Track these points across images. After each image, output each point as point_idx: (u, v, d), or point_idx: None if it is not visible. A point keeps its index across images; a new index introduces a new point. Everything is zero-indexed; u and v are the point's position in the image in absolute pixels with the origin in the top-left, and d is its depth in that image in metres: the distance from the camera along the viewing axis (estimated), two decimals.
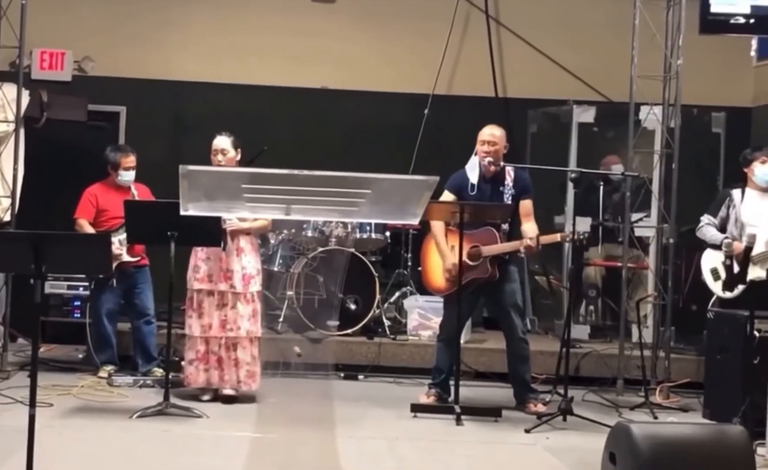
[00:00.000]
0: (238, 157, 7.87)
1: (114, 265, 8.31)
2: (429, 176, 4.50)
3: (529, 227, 7.73)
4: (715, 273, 8.13)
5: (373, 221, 9.42)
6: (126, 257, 8.46)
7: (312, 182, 4.36)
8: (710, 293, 8.22)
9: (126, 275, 8.56)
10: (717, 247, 8.10)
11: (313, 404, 7.97)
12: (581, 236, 7.68)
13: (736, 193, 8.28)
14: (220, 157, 7.73)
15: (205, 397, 7.70)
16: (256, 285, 7.79)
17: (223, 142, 7.79)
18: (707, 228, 8.29)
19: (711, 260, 8.19)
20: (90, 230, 8.43)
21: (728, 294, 7.91)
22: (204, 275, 7.70)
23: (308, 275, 9.28)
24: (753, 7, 6.31)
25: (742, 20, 6.26)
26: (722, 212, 8.27)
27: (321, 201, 4.59)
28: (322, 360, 8.91)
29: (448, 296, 7.94)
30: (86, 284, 9.11)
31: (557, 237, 7.68)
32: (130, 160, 8.60)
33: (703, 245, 8.38)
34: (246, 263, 7.73)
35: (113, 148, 8.78)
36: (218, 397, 7.71)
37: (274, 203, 4.69)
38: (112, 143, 9.24)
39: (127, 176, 8.58)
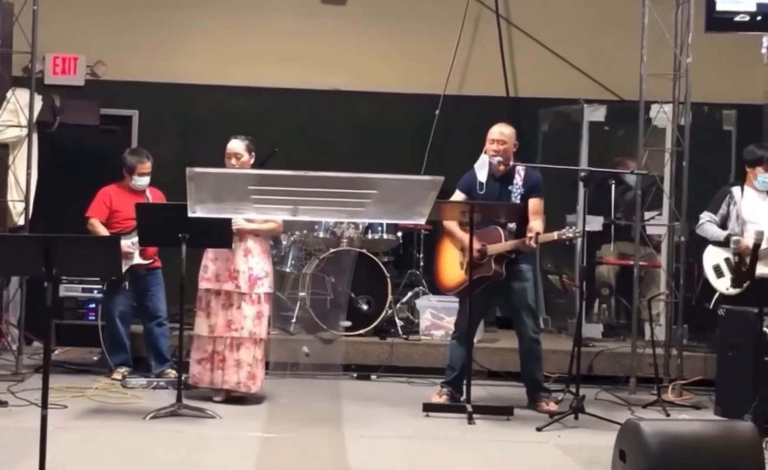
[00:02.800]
0: (252, 160, 7.88)
1: (126, 267, 8.38)
2: (434, 176, 4.53)
3: (535, 225, 7.73)
4: (717, 270, 8.13)
5: (380, 221, 9.44)
6: (138, 260, 8.51)
7: (318, 183, 4.40)
8: (715, 290, 8.22)
9: (138, 277, 8.61)
10: (719, 244, 8.10)
11: (323, 404, 8.00)
12: (576, 234, 7.66)
13: (735, 190, 8.29)
14: (233, 161, 7.74)
15: (218, 398, 7.72)
16: (263, 287, 7.77)
17: (236, 146, 7.79)
18: (708, 225, 8.29)
19: (713, 257, 8.19)
20: (102, 229, 8.47)
21: (731, 291, 7.91)
22: (212, 274, 7.73)
23: (317, 275, 9.31)
24: (759, 5, 6.32)
25: (747, 18, 6.26)
26: (722, 210, 8.28)
27: (327, 202, 4.62)
28: (331, 360, 8.94)
29: (462, 295, 7.95)
30: (100, 286, 9.16)
31: (554, 235, 7.67)
32: (146, 166, 8.63)
33: (708, 241, 8.38)
34: (253, 264, 7.73)
35: (131, 151, 8.83)
36: (230, 398, 7.73)
37: (281, 204, 4.72)
38: (126, 147, 9.29)
39: (141, 182, 8.62)
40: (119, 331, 8.67)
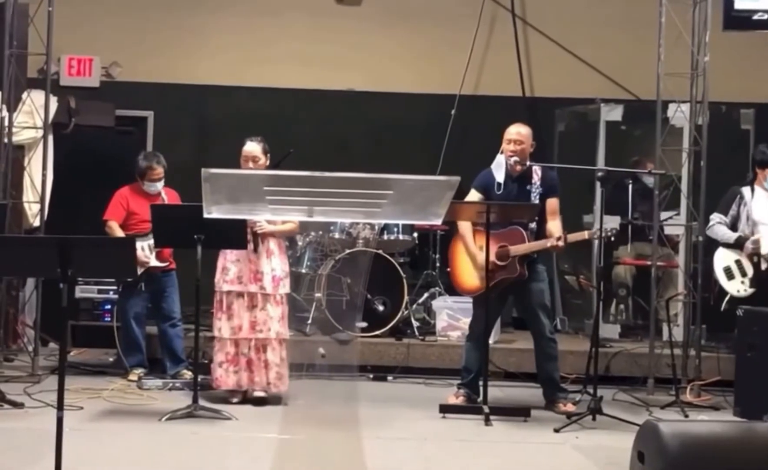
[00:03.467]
0: (268, 162, 7.88)
1: (142, 270, 8.38)
2: (451, 177, 4.50)
3: (554, 226, 7.70)
4: (728, 272, 8.10)
5: (396, 222, 9.42)
6: (154, 262, 8.51)
7: (333, 183, 4.37)
8: (726, 292, 8.18)
9: (154, 279, 8.61)
10: (729, 245, 8.06)
11: (340, 405, 7.98)
12: (609, 233, 7.63)
13: (746, 191, 8.25)
14: (251, 165, 7.72)
15: (234, 399, 7.72)
16: (285, 287, 7.81)
17: (253, 148, 7.78)
18: (718, 227, 8.26)
19: (723, 259, 8.16)
20: (119, 232, 8.47)
21: (742, 293, 7.87)
22: (234, 277, 7.72)
23: (332, 276, 9.29)
24: None
25: (766, 16, 6.21)
26: (733, 211, 8.25)
27: (343, 202, 4.60)
28: (347, 362, 8.92)
29: (478, 296, 7.92)
30: (115, 288, 9.16)
31: (585, 235, 7.64)
32: (157, 172, 8.62)
33: (719, 243, 8.34)
34: (275, 265, 7.75)
35: (144, 156, 8.80)
36: (247, 399, 7.73)
37: (297, 205, 4.71)
38: (141, 148, 9.31)
39: (153, 187, 8.61)
40: (134, 332, 8.67)
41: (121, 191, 8.68)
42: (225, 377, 7.72)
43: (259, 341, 7.68)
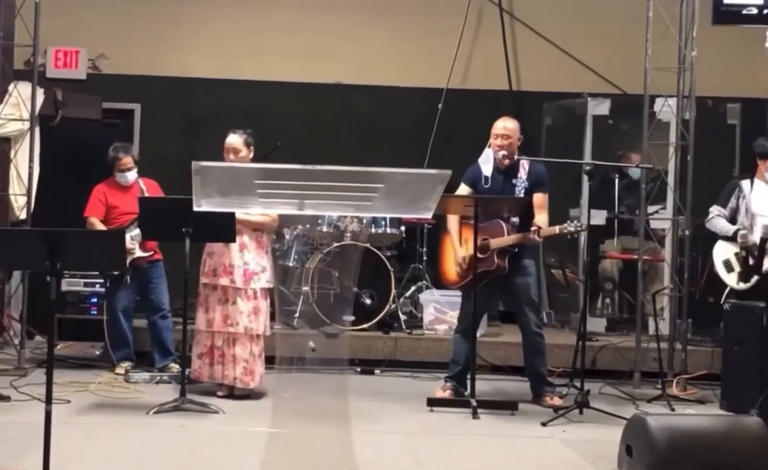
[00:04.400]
0: (251, 155, 7.82)
1: (128, 261, 8.37)
2: (441, 170, 4.50)
3: (540, 220, 7.71)
4: (727, 265, 8.11)
5: (386, 216, 9.42)
6: (139, 253, 8.50)
7: (325, 176, 4.37)
8: (725, 285, 8.19)
9: (140, 271, 8.60)
10: (729, 238, 8.07)
11: (328, 399, 7.97)
12: (576, 228, 7.64)
13: (745, 183, 8.25)
14: (232, 156, 7.67)
15: (220, 392, 7.71)
16: (259, 282, 7.70)
17: (234, 141, 7.72)
18: (717, 220, 8.26)
19: (723, 252, 8.16)
20: (101, 227, 8.46)
21: (742, 286, 7.89)
22: (209, 269, 7.70)
23: (322, 270, 9.29)
24: None
25: (755, 11, 6.22)
26: (732, 203, 8.25)
27: (334, 196, 4.58)
28: (337, 355, 8.92)
29: (466, 289, 7.94)
30: (102, 281, 9.13)
31: (555, 230, 7.65)
32: (125, 162, 8.62)
33: (716, 236, 8.35)
34: (249, 259, 7.66)
35: (113, 147, 8.76)
36: (232, 394, 7.71)
37: (288, 199, 4.69)
38: (128, 141, 9.30)
39: (123, 178, 8.62)
40: (122, 326, 8.65)
41: (98, 187, 8.68)
42: (201, 369, 7.71)
43: (231, 335, 7.63)
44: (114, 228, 8.37)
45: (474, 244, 7.56)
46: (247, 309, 7.64)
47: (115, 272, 8.40)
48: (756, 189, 8.16)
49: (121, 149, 8.72)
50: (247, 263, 7.67)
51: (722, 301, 8.14)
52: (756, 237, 7.84)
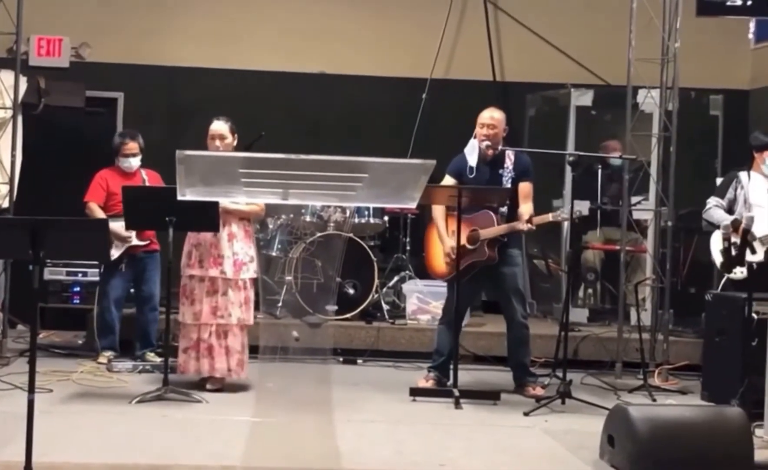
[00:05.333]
0: (236, 142, 7.80)
1: (124, 249, 8.35)
2: (426, 160, 4.50)
3: (525, 209, 7.73)
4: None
5: (370, 205, 9.43)
6: (135, 241, 8.47)
7: (309, 166, 4.37)
8: (711, 275, 8.22)
9: (136, 260, 8.58)
10: None
11: (311, 388, 7.97)
12: (575, 215, 7.67)
13: (743, 174, 8.27)
14: (218, 143, 7.62)
15: (210, 385, 7.62)
16: (248, 272, 7.66)
17: (220, 127, 7.69)
18: (715, 210, 8.28)
19: (720, 242, 8.17)
20: (99, 213, 8.39)
21: (738, 276, 7.90)
22: (195, 261, 7.59)
23: (306, 259, 9.28)
24: None
25: (738, 2, 6.24)
26: (729, 194, 8.27)
27: (318, 185, 4.59)
28: (320, 345, 8.92)
29: (451, 280, 7.95)
30: (84, 271, 9.13)
31: (549, 217, 7.67)
32: (130, 146, 8.58)
33: (701, 227, 8.38)
34: (238, 249, 7.61)
35: (119, 133, 8.78)
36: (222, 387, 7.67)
37: (272, 188, 4.70)
38: (111, 129, 9.27)
39: (127, 163, 8.57)
40: (112, 315, 8.61)
41: (101, 172, 8.65)
42: (187, 363, 7.63)
43: (221, 326, 7.56)
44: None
45: (457, 234, 7.56)
46: (239, 300, 7.60)
47: (111, 260, 8.35)
48: (753, 181, 8.19)
49: (127, 135, 8.70)
50: (237, 253, 7.62)
51: (719, 289, 8.16)
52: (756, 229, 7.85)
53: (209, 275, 7.57)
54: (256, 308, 8.24)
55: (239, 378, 7.67)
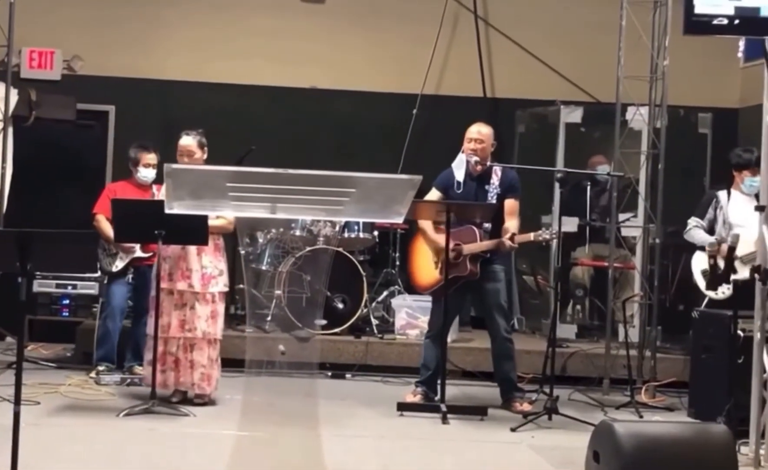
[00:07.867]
0: (205, 156, 7.72)
1: (128, 260, 8.34)
2: (413, 176, 4.53)
3: (510, 226, 7.74)
4: (706, 275, 8.14)
5: (358, 220, 9.44)
6: (139, 253, 8.45)
7: (297, 180, 4.39)
8: (697, 294, 8.24)
9: (139, 272, 8.53)
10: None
11: (298, 402, 7.96)
12: (550, 235, 7.70)
13: (722, 194, 8.29)
14: (186, 159, 7.56)
15: (174, 398, 7.58)
16: (217, 286, 7.61)
17: (188, 143, 7.63)
18: (695, 231, 8.30)
19: (702, 262, 8.17)
20: (107, 226, 8.26)
21: (720, 296, 7.92)
22: (164, 273, 7.50)
23: (294, 274, 9.28)
24: (737, 9, 6.31)
25: (725, 21, 6.27)
26: (709, 214, 8.28)
27: (306, 200, 4.61)
28: (307, 359, 8.90)
29: (436, 294, 7.96)
30: (74, 283, 9.12)
31: (530, 236, 7.69)
32: (149, 157, 8.52)
33: (689, 244, 8.41)
34: (206, 263, 7.57)
35: (136, 144, 8.67)
36: (185, 399, 7.62)
37: (260, 202, 4.71)
38: (102, 142, 9.25)
39: (146, 174, 8.50)
40: (115, 324, 8.55)
41: (111, 185, 8.70)
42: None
43: (187, 340, 7.51)
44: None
45: (446, 249, 7.57)
46: (206, 313, 7.55)
47: (115, 270, 8.35)
48: (733, 200, 8.20)
49: (147, 146, 8.60)
50: (205, 266, 7.57)
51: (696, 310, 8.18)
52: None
53: (177, 288, 7.52)
54: (242, 322, 8.23)
55: (204, 392, 7.59)
